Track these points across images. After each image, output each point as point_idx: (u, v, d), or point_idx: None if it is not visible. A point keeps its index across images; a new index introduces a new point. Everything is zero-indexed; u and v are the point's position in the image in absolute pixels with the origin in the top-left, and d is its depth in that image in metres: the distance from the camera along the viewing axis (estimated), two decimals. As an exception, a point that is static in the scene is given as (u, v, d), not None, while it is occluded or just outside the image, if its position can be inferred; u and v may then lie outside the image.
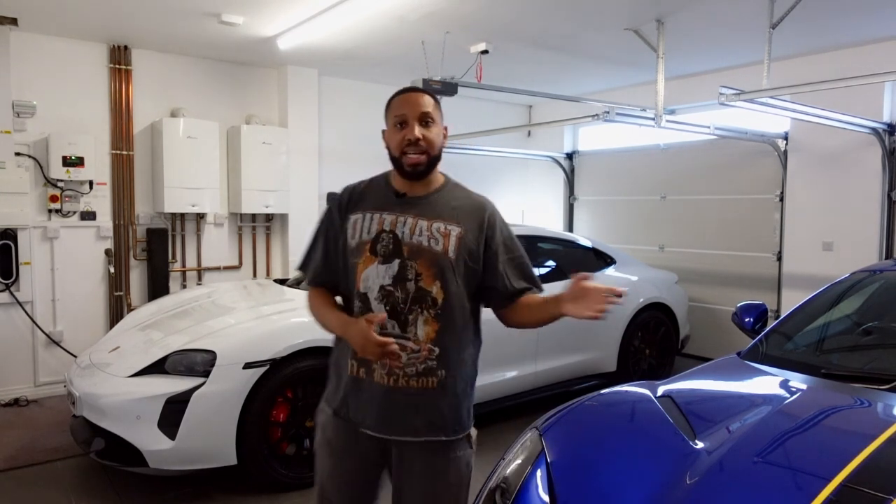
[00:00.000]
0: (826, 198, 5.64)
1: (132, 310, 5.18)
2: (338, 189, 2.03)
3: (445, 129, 1.92)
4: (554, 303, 1.79)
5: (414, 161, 1.82)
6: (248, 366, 3.35)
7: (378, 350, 1.67)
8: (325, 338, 3.80)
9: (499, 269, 1.90)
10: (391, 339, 1.68)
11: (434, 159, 1.86)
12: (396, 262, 1.79)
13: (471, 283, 1.87)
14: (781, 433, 1.99)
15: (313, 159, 6.65)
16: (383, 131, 1.92)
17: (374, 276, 1.80)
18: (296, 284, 4.74)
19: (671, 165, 6.92)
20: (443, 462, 1.85)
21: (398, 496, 1.88)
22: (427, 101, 1.86)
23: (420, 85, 5.02)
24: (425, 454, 1.83)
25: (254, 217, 6.48)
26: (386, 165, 1.96)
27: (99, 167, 5.48)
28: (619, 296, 1.66)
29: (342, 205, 1.93)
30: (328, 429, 1.93)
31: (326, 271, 1.92)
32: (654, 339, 5.54)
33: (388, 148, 1.89)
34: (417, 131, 1.80)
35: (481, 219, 1.91)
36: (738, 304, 3.33)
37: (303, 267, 1.99)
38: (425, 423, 1.81)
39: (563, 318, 1.79)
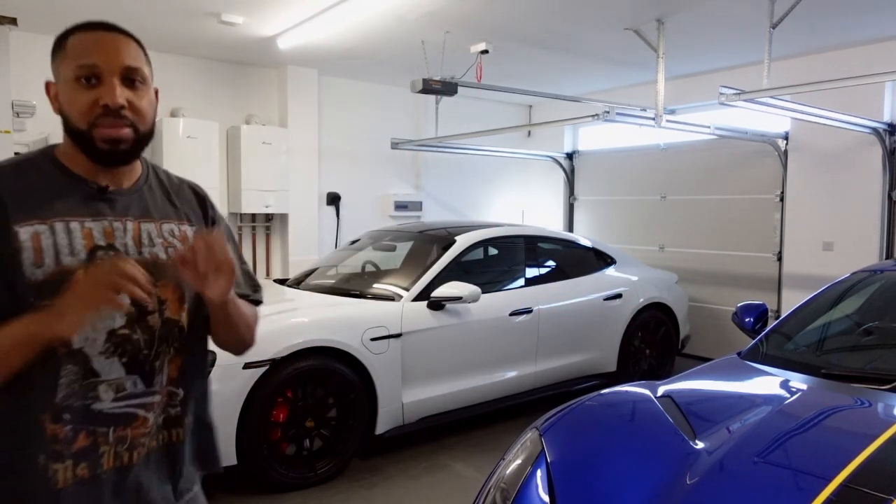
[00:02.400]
0: (826, 198, 5.64)
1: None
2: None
3: (156, 91, 1.34)
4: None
5: (114, 135, 1.20)
6: (247, 366, 3.35)
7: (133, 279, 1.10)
8: (325, 338, 3.78)
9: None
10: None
11: (143, 137, 1.26)
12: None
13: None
14: (782, 433, 1.99)
15: (313, 159, 6.65)
16: (49, 84, 1.26)
17: (94, 320, 1.20)
18: (296, 284, 4.75)
19: (671, 165, 6.92)
20: None
21: None
22: (134, 51, 1.26)
23: (420, 85, 5.01)
24: None
25: (254, 217, 6.48)
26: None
27: (99, 167, 5.48)
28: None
29: None
30: None
31: None
32: (655, 339, 5.54)
33: (64, 115, 1.22)
34: (120, 94, 1.19)
35: (201, 208, 1.43)
36: (739, 304, 3.33)
37: None
38: (173, 489, 1.35)
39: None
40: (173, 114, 5.84)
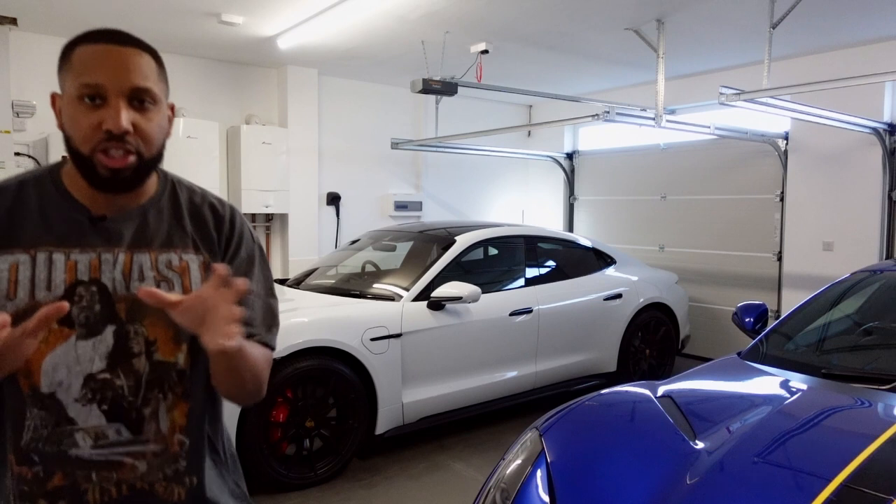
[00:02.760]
0: (826, 198, 5.64)
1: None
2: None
3: (172, 108, 1.21)
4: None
5: (116, 164, 1.09)
6: (247, 366, 3.34)
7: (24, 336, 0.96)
8: (325, 338, 3.78)
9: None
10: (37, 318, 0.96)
11: (149, 163, 1.14)
12: (109, 330, 1.13)
13: None
14: (782, 433, 1.99)
15: (313, 159, 6.65)
16: (55, 96, 1.15)
17: (69, 363, 1.10)
18: (296, 284, 4.75)
19: (671, 165, 6.92)
20: None
21: None
22: (145, 67, 1.11)
23: (420, 85, 5.01)
24: None
25: (254, 217, 6.48)
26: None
27: (99, 167, 5.48)
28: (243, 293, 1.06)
29: None
30: None
31: None
32: (655, 340, 5.53)
33: (66, 135, 1.12)
34: (125, 118, 1.07)
35: (220, 231, 1.26)
36: (739, 304, 3.33)
37: None
38: None
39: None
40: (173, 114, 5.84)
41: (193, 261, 1.21)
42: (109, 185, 1.12)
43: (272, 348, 1.29)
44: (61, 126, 1.13)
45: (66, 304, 0.97)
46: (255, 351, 1.21)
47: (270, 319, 1.29)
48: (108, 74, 1.07)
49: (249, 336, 1.21)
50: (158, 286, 1.15)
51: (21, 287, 1.09)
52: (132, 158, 1.10)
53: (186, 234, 1.22)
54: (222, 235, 1.26)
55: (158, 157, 1.16)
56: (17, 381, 1.08)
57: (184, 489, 1.20)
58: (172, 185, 1.26)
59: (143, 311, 1.14)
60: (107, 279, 1.13)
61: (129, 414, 1.14)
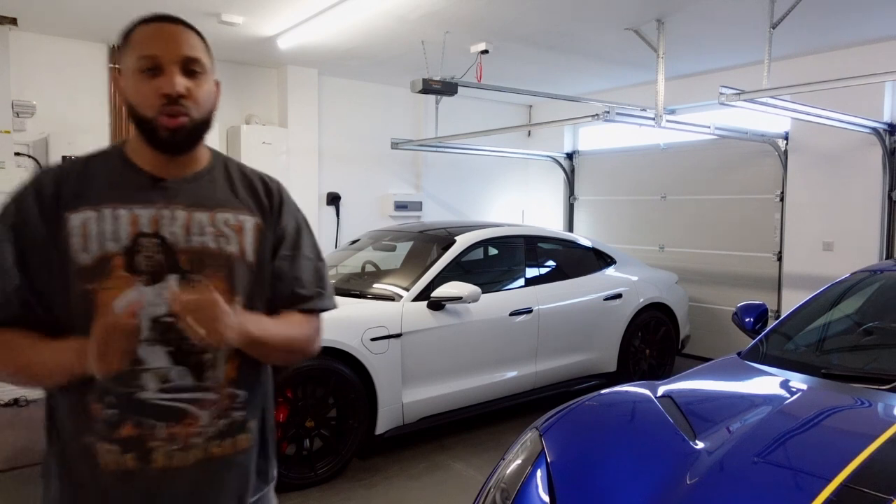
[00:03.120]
0: (826, 198, 5.64)
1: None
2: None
3: (217, 84, 1.32)
4: None
5: (174, 124, 1.21)
6: (247, 366, 3.35)
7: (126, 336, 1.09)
8: (325, 338, 3.80)
9: (286, 272, 1.37)
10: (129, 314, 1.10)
11: (201, 125, 1.27)
12: (172, 278, 1.22)
13: (267, 289, 1.35)
14: (782, 433, 1.99)
15: (313, 159, 6.65)
16: (116, 72, 1.30)
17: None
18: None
19: (671, 165, 6.92)
20: None
21: None
22: (194, 41, 1.26)
23: (420, 85, 5.01)
24: None
25: (254, 217, 6.47)
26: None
27: (99, 167, 5.48)
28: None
29: (42, 200, 1.21)
30: None
31: (25, 303, 1.19)
32: (655, 340, 5.53)
33: (129, 105, 1.24)
34: (179, 83, 1.21)
35: (273, 201, 1.39)
36: (739, 304, 3.33)
37: None
38: (236, 495, 1.31)
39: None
40: (173, 114, 5.84)
41: (248, 221, 1.32)
42: (169, 146, 1.24)
43: (324, 310, 1.44)
44: (125, 100, 1.26)
45: (142, 304, 1.15)
46: (284, 327, 1.32)
47: (319, 282, 1.42)
48: (162, 47, 1.21)
49: (298, 300, 1.37)
50: (217, 241, 1.26)
51: (92, 239, 1.19)
52: (186, 119, 1.22)
53: (239, 199, 1.33)
54: (274, 204, 1.38)
55: (209, 120, 1.28)
56: (92, 324, 1.13)
57: (247, 437, 1.30)
58: (224, 160, 1.39)
59: (204, 262, 1.25)
60: (167, 233, 1.23)
61: (191, 359, 1.22)
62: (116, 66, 5.59)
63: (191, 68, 1.23)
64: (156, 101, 1.20)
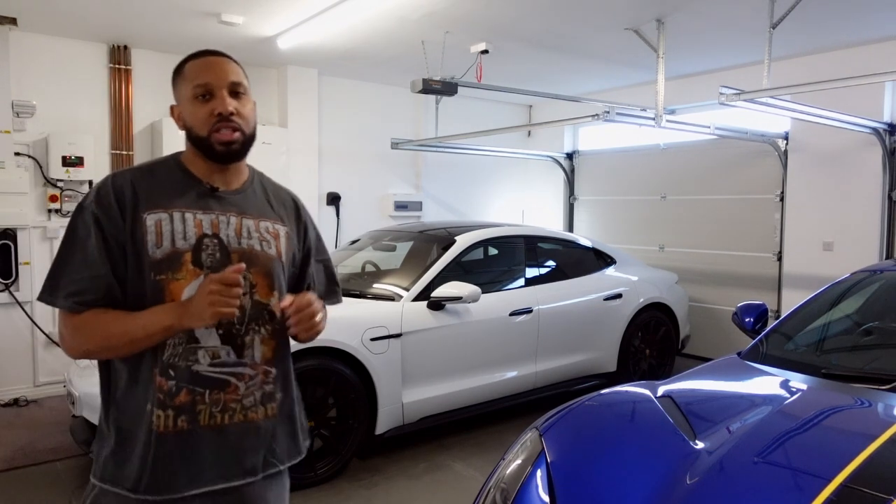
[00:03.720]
0: (826, 198, 5.64)
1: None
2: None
3: (254, 103, 1.59)
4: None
5: (228, 138, 1.47)
6: (247, 366, 3.35)
7: (234, 287, 1.36)
8: (325, 338, 3.79)
9: (308, 273, 1.70)
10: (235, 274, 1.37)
11: (249, 139, 1.54)
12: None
13: (288, 285, 1.63)
14: (782, 433, 1.99)
15: (313, 159, 6.65)
16: (173, 107, 1.55)
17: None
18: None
19: (671, 165, 6.92)
20: (281, 491, 1.69)
21: None
22: (236, 69, 1.54)
23: (420, 85, 5.02)
24: (264, 491, 1.58)
25: (254, 217, 6.47)
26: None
27: (99, 167, 5.48)
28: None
29: (122, 200, 1.44)
30: None
31: (110, 287, 1.42)
32: (655, 339, 5.54)
33: (187, 128, 1.51)
34: (230, 104, 1.47)
35: (296, 214, 1.70)
36: (739, 304, 3.33)
37: (57, 284, 1.41)
38: (265, 457, 1.55)
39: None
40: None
41: (282, 230, 1.61)
42: (224, 157, 1.50)
43: (340, 302, 1.88)
44: (182, 125, 1.52)
45: (243, 265, 1.40)
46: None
47: (333, 285, 1.82)
48: (212, 75, 1.48)
49: (328, 296, 1.77)
50: (261, 244, 1.54)
51: (165, 237, 1.43)
52: (237, 134, 1.49)
53: (274, 210, 1.62)
54: (300, 217, 1.70)
55: (253, 135, 1.55)
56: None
57: (274, 405, 1.55)
58: (258, 175, 1.67)
59: (251, 260, 1.50)
60: (223, 234, 1.49)
61: (235, 339, 1.48)
62: (118, 66, 5.60)
63: (236, 91, 1.50)
64: (209, 121, 1.46)
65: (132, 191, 1.45)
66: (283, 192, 1.70)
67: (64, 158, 5.28)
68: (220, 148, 1.48)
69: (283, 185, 1.74)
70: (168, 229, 1.43)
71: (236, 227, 1.51)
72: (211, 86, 1.47)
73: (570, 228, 8.02)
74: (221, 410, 1.46)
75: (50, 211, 5.39)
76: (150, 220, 1.43)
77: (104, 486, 1.44)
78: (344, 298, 4.46)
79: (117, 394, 1.46)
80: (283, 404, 1.58)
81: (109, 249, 1.41)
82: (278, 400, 1.56)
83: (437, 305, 4.12)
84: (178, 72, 1.52)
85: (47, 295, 1.42)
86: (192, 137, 1.50)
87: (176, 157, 1.55)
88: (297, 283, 1.67)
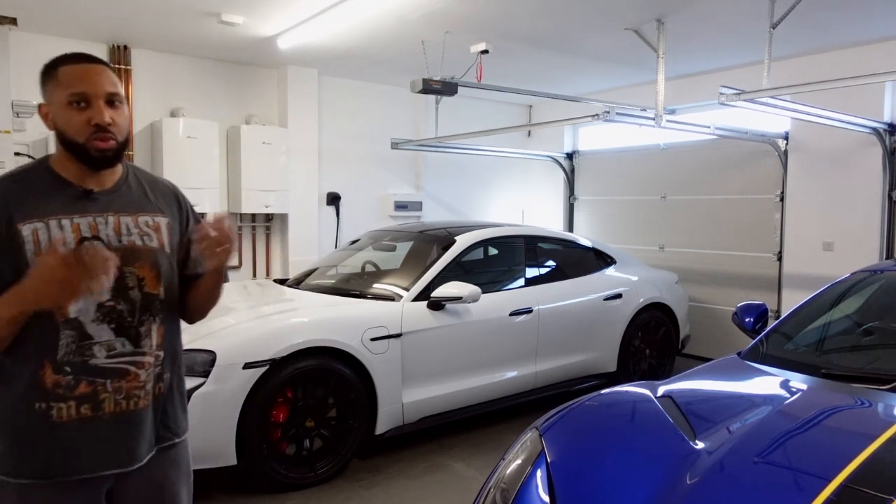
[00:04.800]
0: (826, 198, 5.64)
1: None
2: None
3: (126, 111, 1.65)
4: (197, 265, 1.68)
5: (104, 147, 1.52)
6: (247, 366, 3.35)
7: (100, 266, 1.37)
8: (325, 338, 3.79)
9: (193, 255, 1.71)
10: (104, 253, 1.40)
11: (123, 145, 1.58)
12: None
13: (176, 272, 1.71)
14: (782, 433, 1.99)
15: (313, 159, 6.65)
16: (41, 105, 1.56)
17: (86, 298, 1.47)
18: (296, 284, 4.75)
19: (671, 165, 6.92)
20: (180, 462, 1.74)
21: None
22: (113, 78, 1.56)
23: (420, 85, 5.02)
24: (159, 465, 1.66)
25: (253, 217, 6.48)
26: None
27: (99, 167, 5.47)
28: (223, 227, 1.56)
29: None
30: None
31: None
32: (655, 339, 5.53)
33: (60, 132, 1.53)
34: (107, 115, 1.51)
35: (176, 202, 1.75)
36: (739, 304, 3.33)
37: None
38: (160, 432, 1.66)
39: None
40: (173, 114, 5.84)
41: (162, 221, 1.66)
42: (99, 163, 1.55)
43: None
44: (52, 127, 1.54)
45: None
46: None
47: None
48: (89, 85, 1.51)
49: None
50: (142, 239, 1.60)
51: (43, 245, 1.47)
52: (112, 142, 1.54)
53: (152, 203, 1.67)
54: (181, 207, 1.75)
55: (126, 141, 1.60)
56: (52, 314, 1.47)
57: (163, 385, 1.66)
58: (133, 169, 1.71)
59: (133, 257, 1.58)
60: (103, 235, 1.54)
61: (129, 331, 1.57)
62: (118, 66, 5.60)
63: (112, 101, 1.54)
64: (86, 129, 1.50)
65: (3, 202, 1.48)
66: (160, 184, 1.75)
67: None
68: (95, 154, 1.52)
69: (160, 176, 1.79)
70: (46, 237, 1.48)
71: (114, 225, 1.57)
72: (87, 95, 1.50)
73: (570, 228, 8.02)
74: (126, 398, 1.56)
75: (50, 211, 5.38)
76: (27, 230, 1.47)
77: (3, 479, 1.50)
78: (344, 298, 4.48)
79: (5, 393, 1.51)
80: (172, 382, 1.69)
81: None
82: (166, 380, 1.67)
83: (437, 305, 4.12)
84: (51, 74, 1.53)
85: None
86: (65, 142, 1.53)
87: (44, 163, 1.58)
88: (181, 267, 1.73)
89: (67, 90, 1.49)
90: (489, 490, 2.02)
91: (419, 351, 4.02)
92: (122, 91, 1.57)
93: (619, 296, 5.23)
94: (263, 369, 3.39)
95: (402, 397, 3.95)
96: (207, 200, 5.89)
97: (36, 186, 1.53)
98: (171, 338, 1.69)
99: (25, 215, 1.48)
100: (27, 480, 1.49)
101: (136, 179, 1.68)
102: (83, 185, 1.55)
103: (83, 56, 1.55)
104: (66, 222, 1.50)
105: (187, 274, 1.72)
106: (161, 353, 1.64)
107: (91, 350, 1.52)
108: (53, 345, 1.48)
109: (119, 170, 1.64)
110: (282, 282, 4.99)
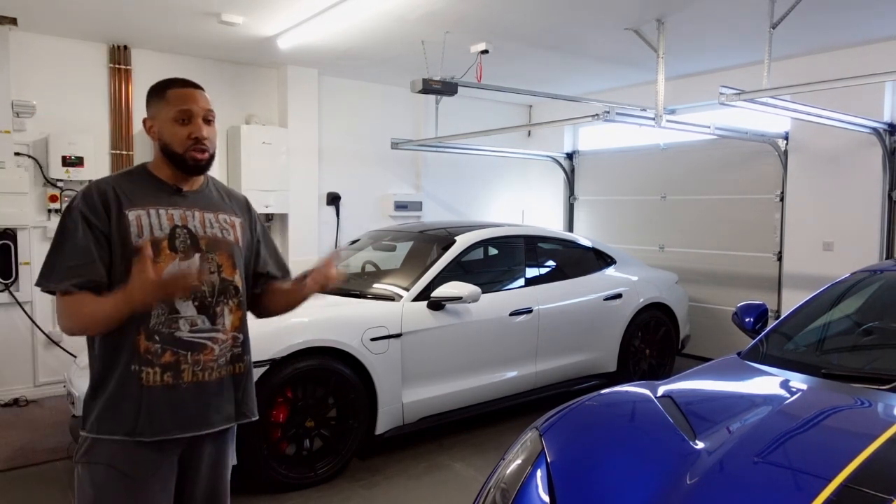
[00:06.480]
0: (826, 198, 5.64)
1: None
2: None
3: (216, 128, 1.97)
4: (299, 286, 2.03)
5: (200, 159, 1.85)
6: (247, 366, 3.35)
7: (183, 282, 1.64)
8: (325, 338, 3.79)
9: (262, 256, 2.06)
10: (189, 272, 1.67)
11: (213, 156, 1.90)
12: (196, 256, 1.83)
13: (247, 269, 2.00)
14: (782, 433, 1.99)
15: (313, 159, 6.65)
16: (145, 120, 1.88)
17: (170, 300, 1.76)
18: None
19: (671, 165, 6.92)
20: (228, 446, 1.97)
21: (187, 488, 1.87)
22: (208, 100, 1.89)
23: (420, 85, 5.03)
24: (220, 442, 1.91)
25: (254, 217, 6.47)
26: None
27: (99, 167, 5.47)
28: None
29: (106, 201, 1.77)
30: (123, 461, 1.74)
31: (98, 272, 1.72)
32: (655, 339, 5.53)
33: (164, 143, 1.84)
34: (205, 130, 1.84)
35: (247, 209, 2.07)
36: (739, 304, 3.33)
37: (54, 272, 1.71)
38: (235, 409, 1.90)
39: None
40: (173, 114, 5.84)
41: (237, 221, 1.98)
42: (193, 170, 1.87)
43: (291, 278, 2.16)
44: (157, 138, 1.85)
45: (149, 245, 1.73)
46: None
47: (284, 266, 2.16)
48: (194, 104, 1.84)
49: (271, 277, 2.08)
50: (222, 232, 1.91)
51: (144, 229, 1.77)
52: (207, 154, 1.86)
53: (228, 205, 1.99)
54: (250, 213, 2.07)
55: (215, 153, 1.91)
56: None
57: (242, 365, 1.92)
58: (212, 179, 2.02)
59: (215, 245, 1.87)
60: (191, 225, 1.85)
61: (209, 310, 1.83)
62: (118, 65, 5.60)
63: (208, 119, 1.86)
64: (187, 142, 1.82)
65: (115, 193, 1.78)
66: (235, 193, 2.07)
67: (64, 158, 5.28)
68: (192, 163, 1.84)
69: (233, 188, 2.12)
70: (147, 222, 1.78)
71: (200, 219, 1.87)
72: (191, 112, 1.82)
73: (570, 228, 8.02)
74: (202, 369, 1.80)
75: (50, 211, 5.39)
76: (132, 215, 1.77)
77: (98, 437, 1.73)
78: (344, 298, 4.48)
79: (105, 360, 1.76)
80: (249, 365, 1.95)
81: (97, 239, 1.73)
82: (246, 361, 1.93)
83: (437, 305, 4.12)
84: (160, 94, 1.84)
85: (44, 280, 1.72)
86: (167, 152, 1.84)
87: (145, 167, 1.90)
88: (253, 265, 2.03)
89: (175, 107, 1.81)
90: (489, 490, 2.02)
91: (419, 351, 4.02)
92: (214, 110, 1.88)
93: (619, 296, 5.23)
94: (263, 369, 3.39)
95: (402, 397, 3.95)
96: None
97: (140, 183, 1.85)
98: (244, 323, 1.93)
99: (132, 204, 1.78)
100: (118, 437, 1.72)
101: (215, 187, 2.00)
102: (176, 185, 1.87)
103: (187, 81, 1.88)
104: (162, 212, 1.81)
105: (258, 272, 2.04)
106: (240, 336, 1.90)
107: (177, 323, 1.77)
108: (147, 314, 1.73)
109: (202, 177, 1.95)
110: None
